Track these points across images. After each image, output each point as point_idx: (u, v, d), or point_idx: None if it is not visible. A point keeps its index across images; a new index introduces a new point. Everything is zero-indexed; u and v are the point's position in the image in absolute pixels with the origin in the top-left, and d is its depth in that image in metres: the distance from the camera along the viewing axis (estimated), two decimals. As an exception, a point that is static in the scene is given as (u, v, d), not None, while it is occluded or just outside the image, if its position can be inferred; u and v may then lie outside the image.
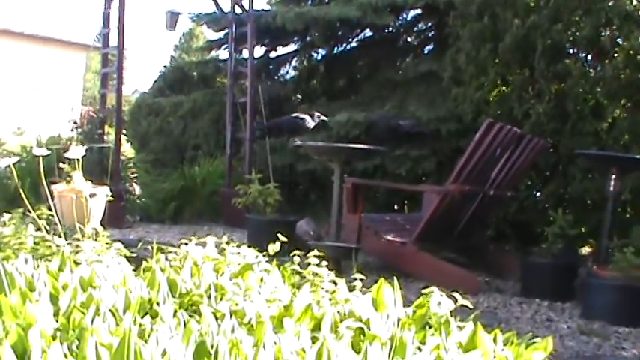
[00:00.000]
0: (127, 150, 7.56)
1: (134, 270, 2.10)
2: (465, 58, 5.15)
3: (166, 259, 2.22)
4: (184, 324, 1.60)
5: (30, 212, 2.60)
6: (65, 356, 1.32)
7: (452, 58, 5.38)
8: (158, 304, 1.78)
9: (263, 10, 7.34)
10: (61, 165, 3.89)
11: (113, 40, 5.90)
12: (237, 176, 6.31)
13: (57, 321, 1.56)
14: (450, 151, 5.39)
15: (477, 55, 5.02)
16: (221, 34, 8.42)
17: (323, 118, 4.73)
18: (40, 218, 2.59)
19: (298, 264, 2.28)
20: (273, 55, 8.38)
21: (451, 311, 1.88)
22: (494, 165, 4.02)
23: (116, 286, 1.81)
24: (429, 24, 7.31)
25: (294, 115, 4.73)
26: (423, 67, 6.23)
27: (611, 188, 3.65)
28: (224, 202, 6.09)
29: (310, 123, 4.54)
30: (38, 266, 2.00)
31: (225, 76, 7.59)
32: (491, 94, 5.00)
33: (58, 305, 1.66)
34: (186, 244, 2.28)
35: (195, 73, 8.94)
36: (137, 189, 6.29)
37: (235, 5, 6.54)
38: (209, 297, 1.86)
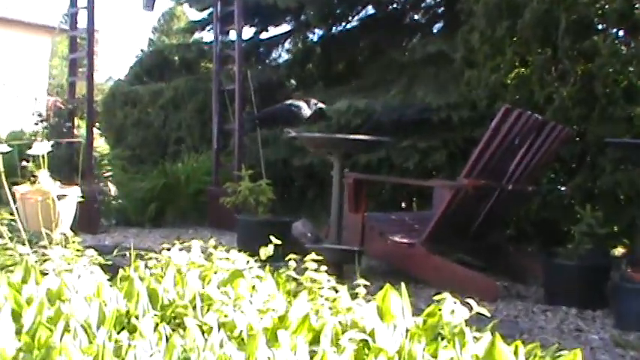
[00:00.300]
0: (101, 145, 7.54)
1: (109, 280, 2.08)
2: (478, 37, 5.13)
3: (146, 266, 2.21)
4: (166, 339, 1.60)
5: (-11, 217, 2.59)
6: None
7: (464, 37, 5.37)
8: (137, 317, 1.77)
9: (252, -15, 7.32)
10: (24, 163, 3.86)
11: (82, 22, 5.88)
12: (225, 173, 6.30)
13: (19, 340, 1.55)
14: (462, 141, 5.38)
15: (492, 34, 5.01)
16: (205, 14, 8.40)
17: (320, 105, 4.72)
18: (0, 224, 2.58)
19: (294, 269, 2.28)
20: (263, 36, 8.36)
21: (466, 320, 1.87)
22: (513, 156, 4.01)
23: (89, 299, 1.80)
24: (438, -1, 7.31)
25: (289, 102, 4.72)
26: (432, 48, 6.22)
27: (646, 180, 3.65)
28: (211, 202, 6.08)
29: (306, 111, 4.52)
30: (-1, 278, 1.99)
31: (210, 60, 7.58)
32: (509, 77, 4.99)
33: (20, 322, 1.65)
34: (168, 249, 2.27)
35: (176, 58, 8.93)
36: (112, 189, 6.28)
37: (220, -20, 6.53)
38: (194, 308, 1.85)
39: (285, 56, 8.41)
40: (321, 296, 2.07)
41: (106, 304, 1.77)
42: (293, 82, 8.21)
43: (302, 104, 4.60)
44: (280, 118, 4.71)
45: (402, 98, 5.86)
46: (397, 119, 5.54)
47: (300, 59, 8.07)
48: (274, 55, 8.47)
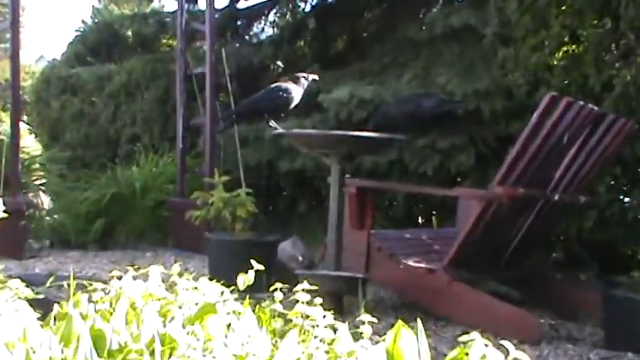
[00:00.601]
0: (30, 145, 7.52)
1: (41, 319, 2.07)
2: (516, 6, 5.15)
3: (90, 300, 2.20)
4: (116, 394, 1.59)
5: None
6: None
7: (497, 7, 5.39)
8: (77, 366, 1.76)
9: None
10: None
11: (4, -16, 5.88)
12: (193, 180, 6.30)
13: None
14: (495, 139, 5.40)
15: (533, 1, 5.03)
16: (166, -24, 8.40)
17: (312, 77, 4.70)
18: None
19: (281, 303, 2.28)
20: (242, 5, 8.37)
21: (501, 368, 1.87)
22: (561, 158, 4.02)
23: (11, 345, 1.78)
24: (465, -42, 7.34)
25: (273, 86, 4.69)
26: (456, 20, 6.23)
27: None
28: (175, 217, 6.08)
29: (296, 92, 4.48)
30: None
31: (174, 36, 7.57)
32: (556, 57, 5.01)
33: None
34: (119, 277, 2.26)
35: (129, 33, 8.94)
36: (46, 200, 6.25)
37: None
38: (152, 354, 1.84)
39: (269, 31, 8.42)
40: (316, 337, 2.07)
41: (34, 352, 1.76)
42: (280, 63, 8.22)
43: (290, 86, 4.55)
44: (263, 108, 4.66)
45: (419, 85, 5.87)
46: (412, 111, 5.54)
47: (289, 35, 8.07)
48: (256, 29, 8.48)
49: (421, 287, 3.95)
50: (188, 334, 1.94)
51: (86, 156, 8.19)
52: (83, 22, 10.07)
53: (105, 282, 2.28)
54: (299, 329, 2.12)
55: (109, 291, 2.23)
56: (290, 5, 8.15)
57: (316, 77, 4.84)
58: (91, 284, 2.29)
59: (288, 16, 8.26)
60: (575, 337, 3.83)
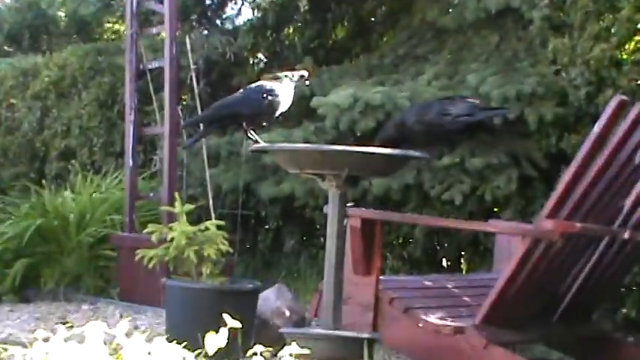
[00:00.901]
0: None
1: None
2: (572, -17, 5.18)
3: (6, 370, 2.19)
4: None
5: None
6: None
7: (548, -16, 5.42)
8: None
9: None
10: None
11: None
12: (146, 208, 6.27)
13: None
14: (543, 156, 5.40)
15: (596, -24, 5.05)
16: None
17: (304, 72, 4.69)
18: None
19: (263, 372, 2.27)
20: (212, -19, 8.41)
21: None
22: (632, 183, 4.01)
23: None
24: None
25: (254, 86, 4.68)
26: (494, 2, 6.26)
27: None
28: (122, 258, 6.05)
29: (283, 94, 4.46)
30: None
31: (121, 19, 7.58)
32: (626, 49, 5.01)
33: None
34: (45, 339, 2.25)
35: (62, 14, 8.94)
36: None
37: None
38: None
39: (248, 14, 8.45)
40: (308, 418, 2.06)
41: None
42: (261, 56, 8.23)
43: (276, 87, 4.54)
44: (241, 114, 4.64)
45: (443, 85, 5.88)
46: (434, 121, 5.55)
47: (274, 19, 8.08)
48: (231, 11, 8.51)
49: (446, 351, 3.93)
50: (138, 414, 1.92)
51: (2, 176, 8.16)
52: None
53: (25, 345, 2.26)
54: (286, 408, 2.11)
55: (31, 358, 2.21)
56: (275, -19, 8.18)
57: (305, 73, 4.83)
58: (6, 349, 2.27)
59: (272, -5, 8.29)
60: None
